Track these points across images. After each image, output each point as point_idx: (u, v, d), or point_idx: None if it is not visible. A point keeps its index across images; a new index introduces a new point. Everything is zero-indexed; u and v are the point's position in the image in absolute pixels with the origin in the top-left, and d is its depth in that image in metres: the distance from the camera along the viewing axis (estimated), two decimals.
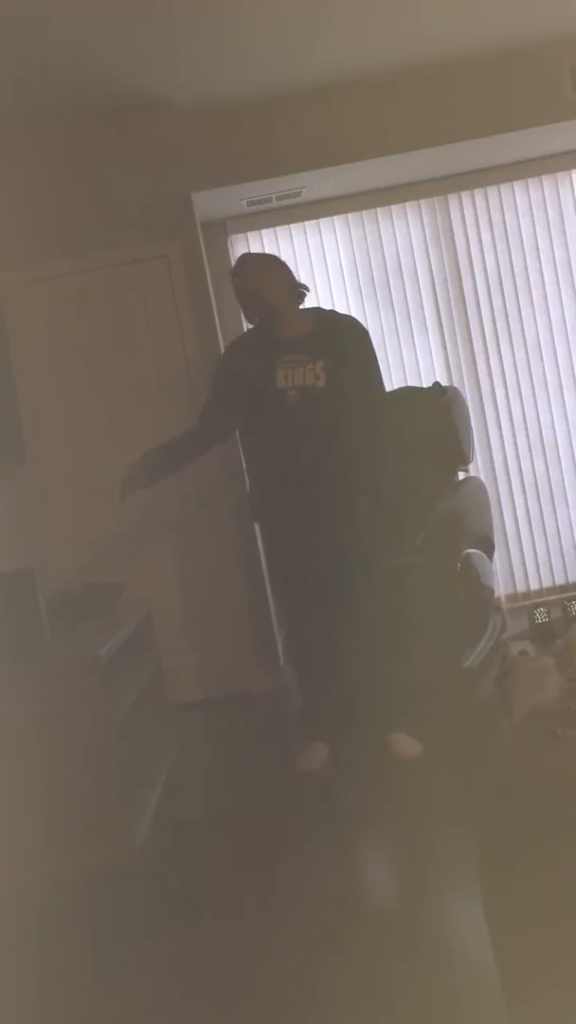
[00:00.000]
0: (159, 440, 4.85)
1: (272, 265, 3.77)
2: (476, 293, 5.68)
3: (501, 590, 5.59)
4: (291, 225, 5.58)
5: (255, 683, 4.89)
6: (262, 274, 3.72)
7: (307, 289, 3.77)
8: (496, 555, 5.26)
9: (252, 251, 4.12)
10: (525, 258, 5.68)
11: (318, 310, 3.82)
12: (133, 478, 3.75)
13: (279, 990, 2.35)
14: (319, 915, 2.66)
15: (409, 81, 4.94)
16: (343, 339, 3.69)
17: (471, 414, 5.33)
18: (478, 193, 5.64)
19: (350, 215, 5.61)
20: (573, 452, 5.74)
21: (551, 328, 5.70)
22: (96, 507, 4.83)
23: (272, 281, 3.71)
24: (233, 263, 3.90)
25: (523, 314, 5.68)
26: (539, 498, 5.75)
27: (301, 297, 3.75)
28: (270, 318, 3.70)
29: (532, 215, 5.66)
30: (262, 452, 3.71)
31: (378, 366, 3.77)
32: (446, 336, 5.69)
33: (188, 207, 4.84)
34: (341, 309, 5.34)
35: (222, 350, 4.21)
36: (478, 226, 5.66)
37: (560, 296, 5.68)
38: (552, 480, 5.74)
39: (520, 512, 5.74)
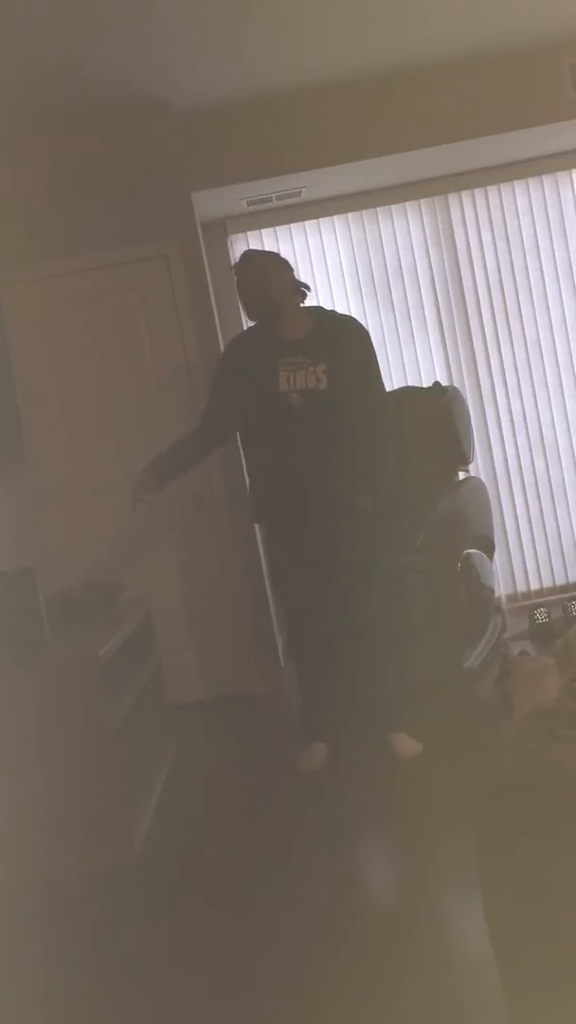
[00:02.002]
0: (159, 440, 4.85)
1: (277, 262, 3.76)
2: (476, 292, 5.68)
3: (501, 590, 5.59)
4: (291, 225, 5.58)
5: (255, 683, 4.89)
6: (268, 271, 3.70)
7: (308, 288, 3.77)
8: (496, 555, 5.26)
9: (255, 248, 4.10)
10: (525, 257, 5.67)
11: (318, 310, 3.81)
12: (144, 484, 3.76)
13: (279, 989, 2.35)
14: (319, 915, 2.66)
15: (409, 81, 4.94)
16: (344, 341, 3.69)
17: (471, 414, 5.33)
18: (478, 193, 5.64)
19: (350, 215, 5.61)
20: (573, 452, 5.74)
21: (551, 327, 5.70)
22: (96, 507, 4.83)
23: (277, 278, 3.70)
24: (236, 259, 3.89)
25: (523, 313, 5.68)
26: (539, 498, 5.74)
27: (303, 296, 3.75)
28: (272, 317, 3.69)
29: (532, 215, 5.66)
30: (263, 454, 3.71)
31: (378, 367, 3.77)
32: (446, 336, 5.69)
33: (188, 207, 4.84)
34: (341, 309, 5.33)
35: (222, 350, 4.19)
36: (478, 226, 5.66)
37: (560, 295, 5.68)
38: (552, 480, 5.74)
39: (520, 512, 5.74)
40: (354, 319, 3.88)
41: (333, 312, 3.90)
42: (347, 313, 4.98)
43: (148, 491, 3.76)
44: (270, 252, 3.85)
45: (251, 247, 5.47)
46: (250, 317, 3.79)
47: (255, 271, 3.69)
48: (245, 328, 4.02)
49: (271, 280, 3.68)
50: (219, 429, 3.85)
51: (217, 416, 3.80)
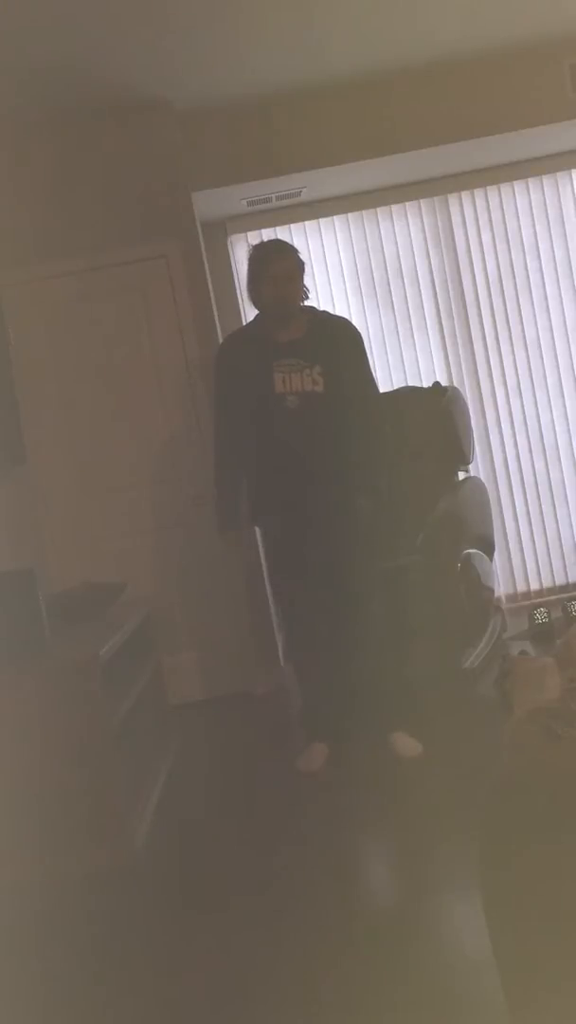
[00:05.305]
0: (158, 440, 4.87)
1: (302, 270, 3.70)
2: (476, 293, 5.68)
3: (501, 590, 5.59)
4: (291, 225, 5.57)
5: (255, 683, 4.89)
6: (294, 278, 3.64)
7: (308, 294, 3.76)
8: (496, 555, 5.26)
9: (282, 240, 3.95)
10: (525, 258, 5.67)
11: (310, 310, 3.78)
12: (232, 542, 3.89)
13: (279, 990, 2.35)
14: (319, 915, 2.67)
15: (409, 81, 4.94)
16: (338, 343, 3.68)
17: (471, 414, 5.33)
18: (478, 193, 5.64)
19: (350, 215, 5.61)
20: (573, 452, 5.74)
21: (551, 328, 5.69)
22: (96, 507, 4.84)
23: (298, 288, 3.66)
24: (259, 244, 3.80)
25: (523, 314, 5.68)
26: (539, 498, 5.74)
27: (305, 301, 3.75)
28: (279, 319, 3.67)
29: (532, 215, 5.66)
30: (261, 456, 3.70)
31: (371, 367, 3.77)
32: (446, 336, 5.69)
33: (188, 207, 4.84)
34: (341, 309, 5.35)
35: (217, 352, 4.14)
36: (478, 226, 5.66)
37: (560, 296, 5.68)
38: (552, 480, 5.74)
39: (520, 512, 5.74)
40: (347, 320, 3.87)
41: (325, 312, 3.89)
42: (346, 313, 5.01)
43: (238, 542, 3.91)
44: (296, 253, 3.71)
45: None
46: (254, 305, 3.76)
47: (283, 275, 3.61)
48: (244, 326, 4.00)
49: (294, 289, 3.64)
50: (239, 449, 3.78)
51: (234, 441, 3.76)
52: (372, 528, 3.71)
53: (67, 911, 2.98)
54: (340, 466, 3.62)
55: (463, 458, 4.93)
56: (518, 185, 5.64)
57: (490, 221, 5.66)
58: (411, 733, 3.67)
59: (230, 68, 4.49)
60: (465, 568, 4.54)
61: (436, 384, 5.01)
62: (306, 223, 5.59)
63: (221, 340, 4.84)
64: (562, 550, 5.74)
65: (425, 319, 5.68)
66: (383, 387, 4.65)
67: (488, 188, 5.63)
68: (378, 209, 5.61)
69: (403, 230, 5.65)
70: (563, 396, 5.71)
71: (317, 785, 3.61)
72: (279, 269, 3.63)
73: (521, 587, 5.75)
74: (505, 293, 5.68)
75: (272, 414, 3.59)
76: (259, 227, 5.53)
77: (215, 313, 5.04)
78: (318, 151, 4.96)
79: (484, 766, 3.08)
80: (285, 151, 4.95)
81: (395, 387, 5.34)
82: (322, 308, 4.00)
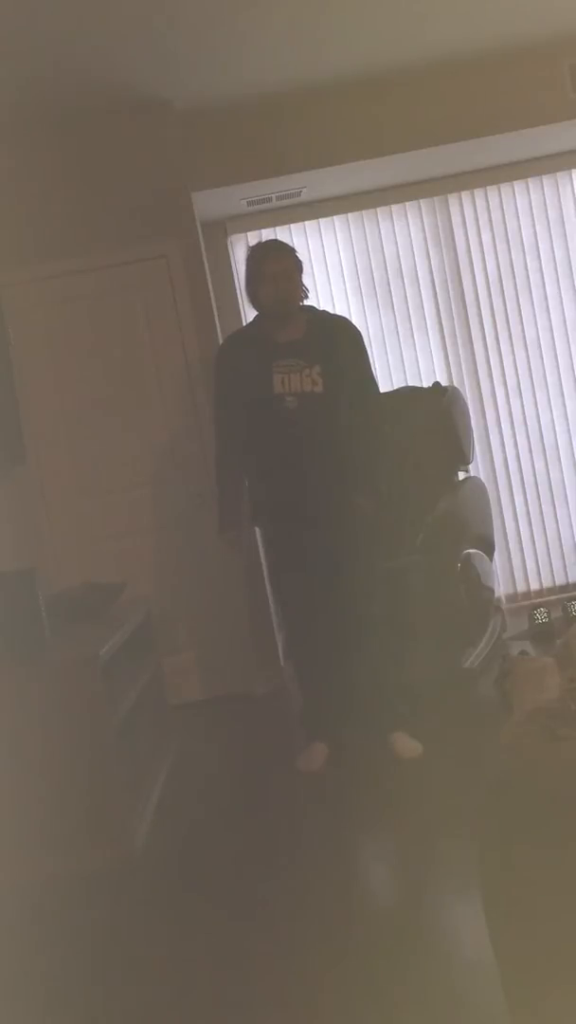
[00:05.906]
0: (159, 440, 4.87)
1: (299, 268, 3.70)
2: (476, 293, 5.67)
3: (501, 590, 5.59)
4: (291, 225, 5.57)
5: (255, 683, 4.89)
6: (292, 277, 3.65)
7: (308, 293, 3.76)
8: (496, 555, 5.26)
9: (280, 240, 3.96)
10: (525, 258, 5.67)
11: (310, 309, 3.78)
12: (232, 544, 3.88)
13: (279, 990, 2.35)
14: (319, 915, 2.67)
15: (409, 81, 4.94)
16: (338, 342, 3.68)
17: (471, 414, 5.33)
18: (478, 193, 5.64)
19: (350, 215, 5.61)
20: (573, 452, 5.74)
21: (551, 328, 5.69)
22: (96, 507, 4.84)
23: (297, 287, 3.67)
24: (257, 245, 3.81)
25: (523, 314, 5.68)
26: (539, 498, 5.74)
27: (304, 300, 3.75)
28: (277, 319, 3.67)
29: (532, 215, 5.66)
30: (261, 456, 3.70)
31: (371, 366, 3.76)
32: (446, 336, 5.69)
33: (188, 207, 4.84)
34: (341, 309, 5.34)
35: (216, 353, 4.13)
36: (478, 226, 5.66)
37: (560, 296, 5.68)
38: (552, 480, 5.74)
39: (520, 512, 5.74)
40: (346, 319, 3.87)
41: (325, 312, 3.89)
42: (346, 313, 5.01)
43: (238, 543, 3.91)
44: (294, 252, 3.73)
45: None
46: (252, 305, 3.76)
47: (281, 275, 3.62)
48: (244, 327, 4.00)
49: (292, 288, 3.64)
50: (239, 448, 3.77)
51: (234, 441, 3.75)
52: (372, 528, 3.71)
53: (67, 911, 2.98)
54: (340, 466, 3.62)
55: (463, 458, 4.93)
56: (518, 185, 5.64)
57: (490, 221, 5.66)
58: (411, 733, 3.67)
59: (230, 68, 4.49)
60: (465, 568, 4.54)
61: (436, 384, 5.01)
62: (306, 223, 5.59)
63: (221, 340, 4.85)
64: (562, 550, 5.74)
65: (425, 319, 5.68)
66: (383, 387, 4.65)
67: (488, 188, 5.63)
68: (378, 209, 5.61)
69: (403, 230, 5.65)
70: (563, 396, 5.71)
71: (317, 785, 3.60)
72: (277, 268, 3.63)
73: (521, 587, 5.75)
74: (505, 293, 5.68)
75: (271, 415, 3.59)
76: (259, 227, 5.53)
77: (215, 313, 5.04)
78: (318, 151, 4.96)
79: (484, 766, 3.08)
80: (285, 151, 4.94)
81: (395, 387, 5.34)
82: (321, 308, 4.00)
